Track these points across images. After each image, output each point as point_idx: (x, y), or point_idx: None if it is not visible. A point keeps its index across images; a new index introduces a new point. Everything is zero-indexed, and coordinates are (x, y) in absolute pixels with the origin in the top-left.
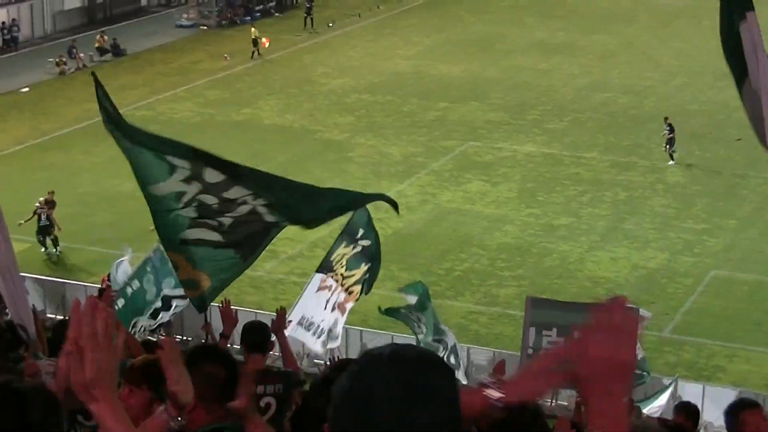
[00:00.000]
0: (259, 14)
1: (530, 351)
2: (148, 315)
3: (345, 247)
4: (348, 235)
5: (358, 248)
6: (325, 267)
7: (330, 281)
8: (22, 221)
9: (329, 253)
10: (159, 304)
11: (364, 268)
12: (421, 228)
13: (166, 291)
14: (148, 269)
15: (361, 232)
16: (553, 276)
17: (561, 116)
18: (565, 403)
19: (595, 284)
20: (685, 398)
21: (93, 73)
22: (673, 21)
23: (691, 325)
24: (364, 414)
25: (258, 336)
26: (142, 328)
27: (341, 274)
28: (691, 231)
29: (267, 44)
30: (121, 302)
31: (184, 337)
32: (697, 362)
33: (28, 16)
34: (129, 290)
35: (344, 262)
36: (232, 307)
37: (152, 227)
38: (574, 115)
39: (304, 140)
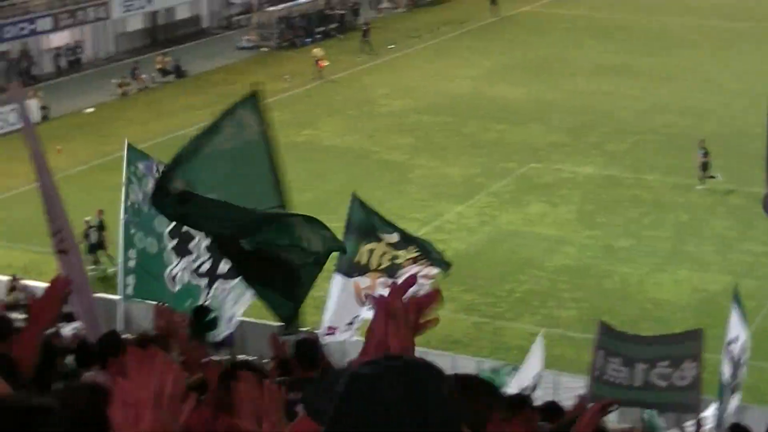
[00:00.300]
0: (320, 36)
1: (597, 373)
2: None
3: (368, 244)
4: (361, 233)
5: (392, 240)
6: (354, 270)
7: (365, 281)
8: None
9: (349, 256)
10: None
11: (413, 250)
12: (481, 249)
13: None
14: (132, 230)
15: (379, 229)
16: (613, 298)
17: (621, 138)
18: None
19: (656, 306)
20: (746, 422)
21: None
22: (733, 44)
23: (754, 349)
24: (365, 417)
25: (311, 351)
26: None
27: (386, 264)
28: (752, 253)
29: (324, 65)
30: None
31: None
32: (759, 386)
33: (92, 37)
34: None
35: (382, 256)
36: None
37: None
38: (635, 137)
39: (363, 161)
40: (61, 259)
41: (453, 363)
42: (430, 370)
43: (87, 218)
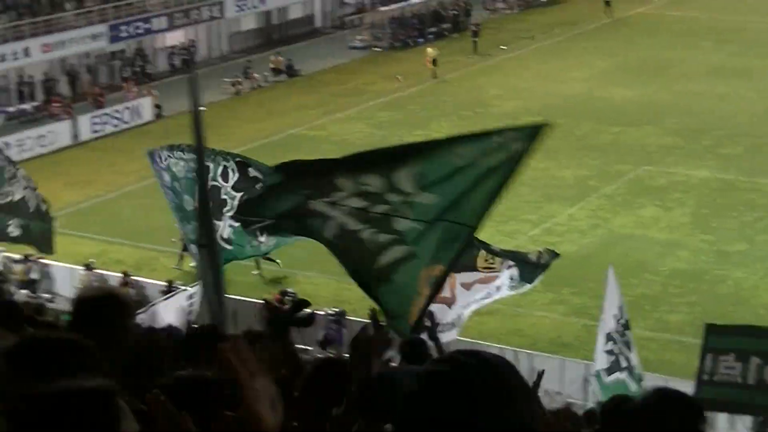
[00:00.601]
0: (432, 36)
1: (705, 377)
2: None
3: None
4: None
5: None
6: (463, 266)
7: (477, 275)
8: (175, 239)
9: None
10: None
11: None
12: (592, 252)
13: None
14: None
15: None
16: (726, 303)
17: (736, 141)
18: None
19: None
20: None
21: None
22: None
23: None
24: (447, 413)
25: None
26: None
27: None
28: None
29: (431, 64)
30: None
31: None
32: None
33: (206, 37)
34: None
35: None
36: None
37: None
38: (751, 140)
39: None
40: (200, 252)
41: (561, 365)
42: (509, 365)
43: None
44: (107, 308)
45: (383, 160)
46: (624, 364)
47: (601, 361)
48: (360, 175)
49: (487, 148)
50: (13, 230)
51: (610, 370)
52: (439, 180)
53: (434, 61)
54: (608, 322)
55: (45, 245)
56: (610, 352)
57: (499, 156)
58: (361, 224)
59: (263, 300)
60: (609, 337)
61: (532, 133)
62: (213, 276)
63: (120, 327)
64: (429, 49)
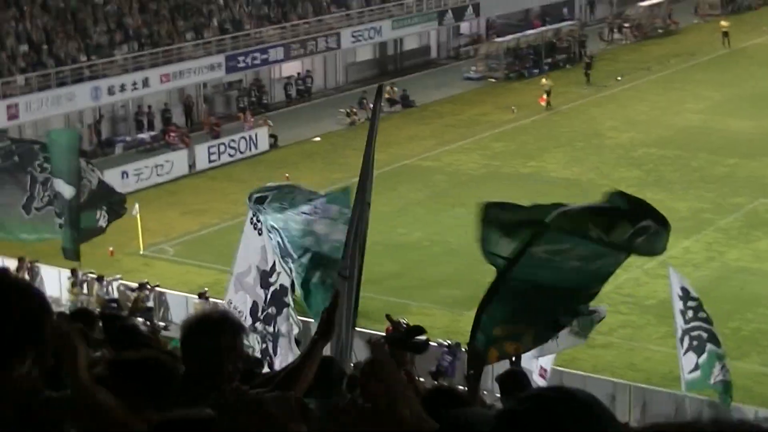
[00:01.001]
0: (547, 67)
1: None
2: None
3: None
4: None
5: None
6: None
7: None
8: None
9: None
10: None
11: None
12: (707, 285)
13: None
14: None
15: None
16: None
17: None
18: None
19: None
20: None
21: None
22: None
23: None
24: None
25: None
26: None
27: None
28: None
29: (544, 100)
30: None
31: None
32: None
33: (322, 67)
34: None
35: None
36: None
37: None
38: None
39: (589, 193)
40: (341, 284)
41: (674, 399)
42: (596, 401)
43: None
44: (214, 329)
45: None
46: (705, 336)
47: (687, 364)
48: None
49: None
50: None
51: (695, 366)
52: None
53: (548, 93)
54: (678, 323)
55: (70, 251)
56: (689, 348)
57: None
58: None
59: (386, 315)
60: (682, 337)
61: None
62: (347, 308)
63: (227, 348)
64: (543, 80)
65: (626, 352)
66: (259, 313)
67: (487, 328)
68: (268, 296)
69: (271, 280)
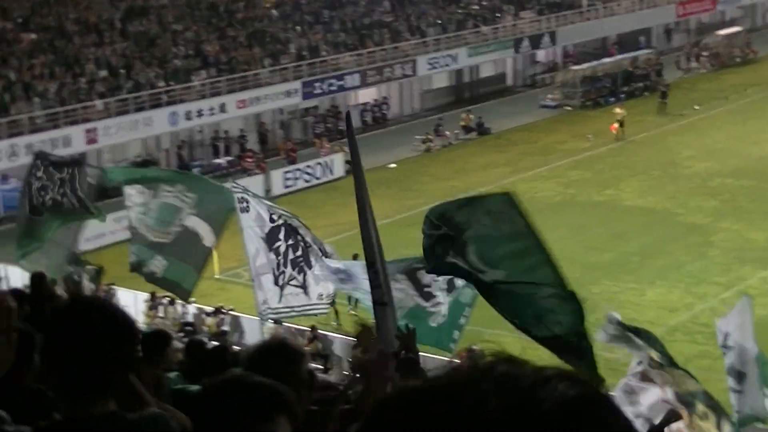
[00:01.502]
0: (623, 95)
1: None
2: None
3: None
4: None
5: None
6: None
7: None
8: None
9: None
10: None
11: None
12: None
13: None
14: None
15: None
16: None
17: None
18: None
19: None
20: None
21: None
22: None
23: None
24: None
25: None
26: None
27: None
28: None
29: (616, 129)
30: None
31: None
32: None
33: (398, 94)
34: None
35: None
36: None
37: None
38: None
39: (665, 223)
40: (378, 311)
41: None
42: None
43: None
44: (275, 358)
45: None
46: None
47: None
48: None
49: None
50: (154, 268)
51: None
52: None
53: (621, 123)
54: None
55: (182, 290)
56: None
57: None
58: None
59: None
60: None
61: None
62: (388, 334)
63: (290, 376)
64: (617, 110)
65: (703, 383)
66: (282, 275)
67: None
68: (281, 254)
69: (278, 237)
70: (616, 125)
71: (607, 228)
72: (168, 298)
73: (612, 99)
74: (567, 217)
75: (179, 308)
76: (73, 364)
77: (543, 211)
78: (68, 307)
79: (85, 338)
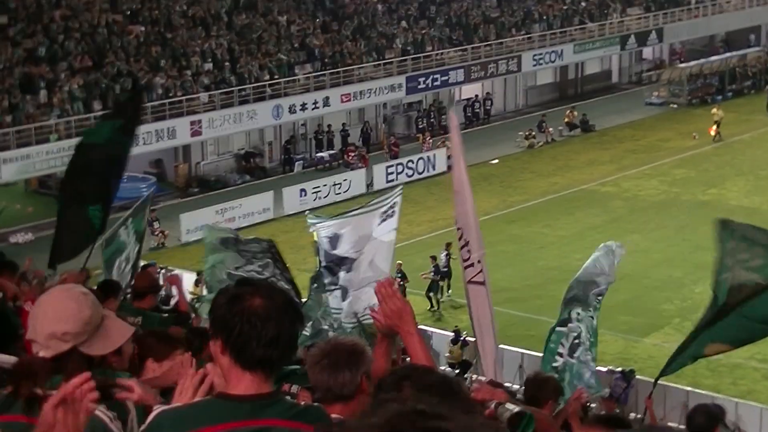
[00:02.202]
0: (731, 93)
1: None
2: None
3: None
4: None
5: None
6: None
7: None
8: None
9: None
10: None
11: None
12: None
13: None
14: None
15: None
16: None
17: None
18: None
19: None
20: None
21: None
22: None
23: None
24: None
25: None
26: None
27: None
28: None
29: (713, 132)
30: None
31: None
32: None
33: (502, 89)
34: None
35: None
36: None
37: None
38: None
39: None
40: (473, 291)
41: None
42: None
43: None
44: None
45: None
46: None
47: None
48: None
49: None
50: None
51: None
52: None
53: (718, 124)
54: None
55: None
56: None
57: None
58: None
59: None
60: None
61: None
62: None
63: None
64: (714, 110)
65: None
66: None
67: (701, 346)
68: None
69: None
70: (714, 127)
71: (711, 228)
72: None
73: (719, 97)
74: (669, 215)
75: None
76: None
77: (646, 210)
78: None
79: None
